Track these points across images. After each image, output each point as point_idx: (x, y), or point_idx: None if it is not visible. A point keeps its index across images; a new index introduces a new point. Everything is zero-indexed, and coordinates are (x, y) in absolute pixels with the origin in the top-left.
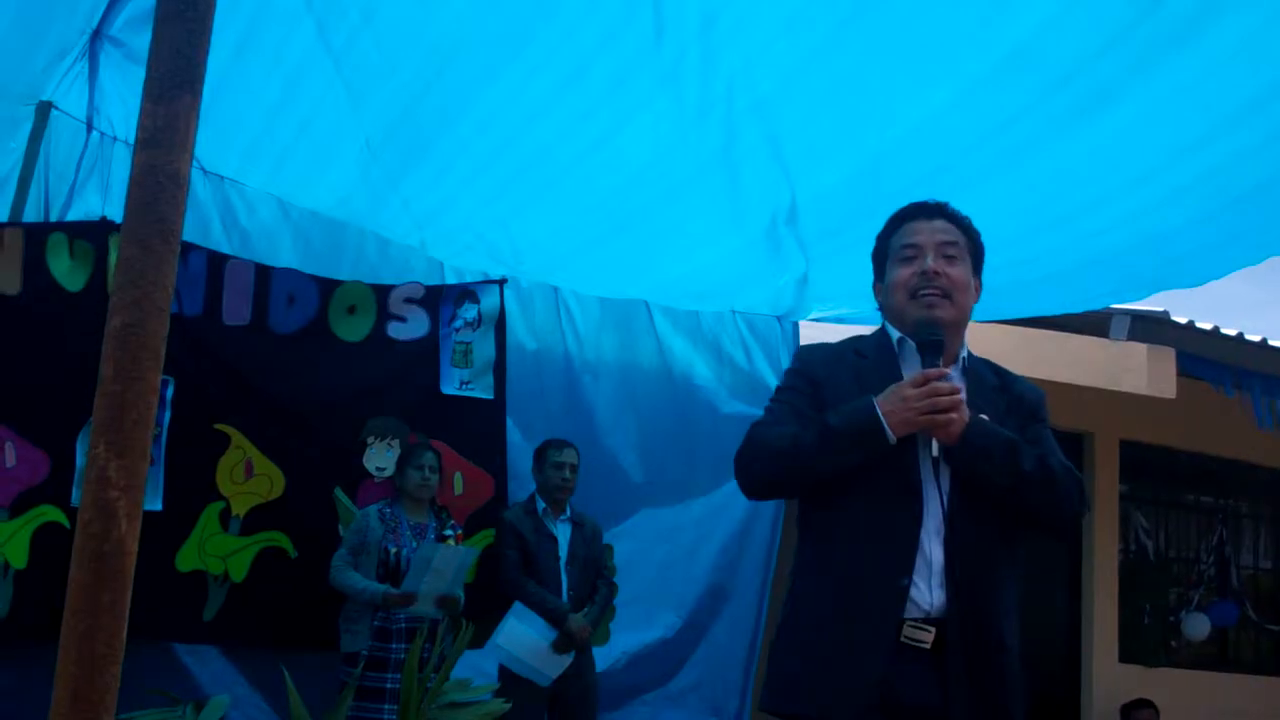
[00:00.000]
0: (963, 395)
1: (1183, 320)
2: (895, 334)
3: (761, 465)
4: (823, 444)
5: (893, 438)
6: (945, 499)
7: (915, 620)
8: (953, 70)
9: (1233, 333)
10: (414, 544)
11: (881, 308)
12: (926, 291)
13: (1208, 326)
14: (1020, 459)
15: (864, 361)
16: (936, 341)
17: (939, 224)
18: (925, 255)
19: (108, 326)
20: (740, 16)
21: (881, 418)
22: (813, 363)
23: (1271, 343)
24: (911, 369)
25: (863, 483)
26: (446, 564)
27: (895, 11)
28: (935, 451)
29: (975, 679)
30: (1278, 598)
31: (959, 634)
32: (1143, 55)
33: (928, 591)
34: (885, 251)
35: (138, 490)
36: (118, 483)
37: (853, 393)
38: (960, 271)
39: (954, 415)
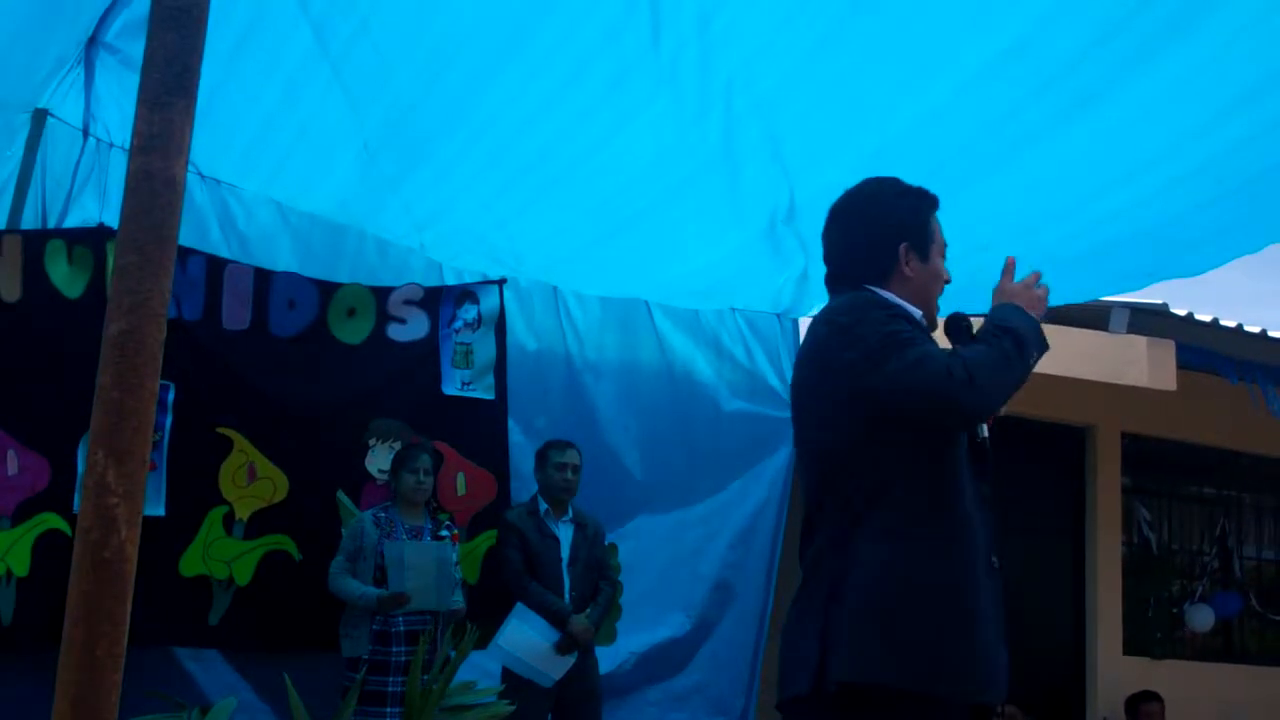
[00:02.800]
0: None
1: (1182, 312)
2: (917, 312)
3: (1000, 384)
4: (1023, 355)
5: None
6: None
7: None
8: (950, 65)
9: (1232, 324)
10: None
11: (904, 281)
12: None
13: (1207, 318)
14: None
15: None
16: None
17: None
18: None
19: (105, 333)
20: (736, 15)
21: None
22: (902, 309)
23: (1271, 334)
24: None
25: (956, 442)
26: (422, 559)
27: (892, 8)
28: None
29: None
30: None
31: None
32: (1140, 47)
33: None
34: (930, 234)
35: (137, 497)
36: (117, 489)
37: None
38: None
39: None
